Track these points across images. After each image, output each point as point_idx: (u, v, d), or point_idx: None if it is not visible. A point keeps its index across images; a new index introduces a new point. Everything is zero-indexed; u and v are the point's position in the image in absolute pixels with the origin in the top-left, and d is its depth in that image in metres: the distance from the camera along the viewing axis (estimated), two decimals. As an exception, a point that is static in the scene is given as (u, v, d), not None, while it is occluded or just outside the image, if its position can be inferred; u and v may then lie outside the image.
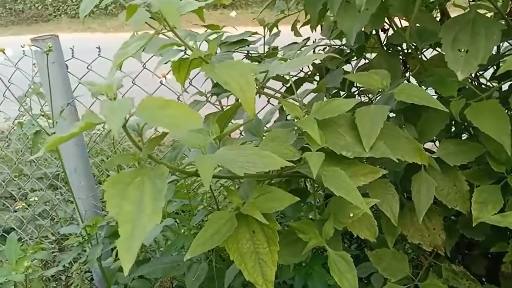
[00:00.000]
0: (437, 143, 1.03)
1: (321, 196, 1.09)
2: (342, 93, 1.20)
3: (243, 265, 0.69)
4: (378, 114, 0.76)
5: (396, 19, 0.98)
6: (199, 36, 0.99)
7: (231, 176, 0.69)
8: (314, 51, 1.08)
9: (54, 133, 1.09)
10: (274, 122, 1.12)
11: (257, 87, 0.74)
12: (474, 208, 0.87)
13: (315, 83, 1.31)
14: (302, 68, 1.30)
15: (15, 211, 1.98)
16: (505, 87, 0.99)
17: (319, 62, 1.19)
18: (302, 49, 1.17)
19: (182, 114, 0.51)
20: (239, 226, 0.68)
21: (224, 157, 0.62)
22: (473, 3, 1.16)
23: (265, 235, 0.70)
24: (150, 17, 0.69)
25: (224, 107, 1.31)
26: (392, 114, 0.98)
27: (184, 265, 1.07)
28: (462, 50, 0.79)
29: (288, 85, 1.30)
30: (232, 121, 0.98)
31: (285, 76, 1.25)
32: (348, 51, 1.23)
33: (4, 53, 1.09)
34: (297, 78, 1.32)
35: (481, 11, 0.88)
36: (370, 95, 1.27)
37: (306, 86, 1.22)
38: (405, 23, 1.03)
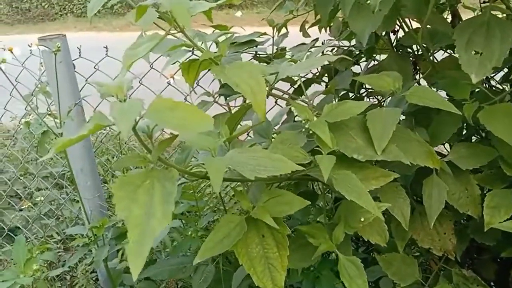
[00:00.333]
0: (446, 145, 1.01)
1: (329, 199, 1.08)
2: (350, 94, 1.19)
3: (252, 269, 0.68)
4: (390, 117, 0.74)
5: (405, 20, 0.97)
6: (207, 37, 0.98)
7: (240, 179, 0.68)
8: (323, 53, 1.07)
9: (61, 133, 1.09)
10: (282, 123, 1.11)
11: (267, 89, 0.73)
12: (486, 213, 0.85)
13: (323, 84, 1.30)
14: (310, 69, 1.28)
15: (21, 210, 1.98)
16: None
17: (328, 63, 1.18)
18: (311, 50, 1.16)
19: (192, 115, 0.50)
20: (248, 230, 0.67)
21: (234, 160, 0.61)
22: (484, 5, 1.15)
23: (274, 239, 0.69)
24: (158, 17, 0.68)
25: (231, 108, 1.31)
26: (402, 117, 0.96)
27: (190, 267, 1.06)
28: (476, 52, 0.77)
29: (296, 86, 1.29)
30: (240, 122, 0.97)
31: (293, 77, 1.24)
32: (357, 53, 1.22)
33: (12, 52, 1.09)
34: (305, 79, 1.31)
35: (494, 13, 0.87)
36: (379, 97, 1.26)
37: (313, 87, 1.21)
38: (415, 25, 1.02)
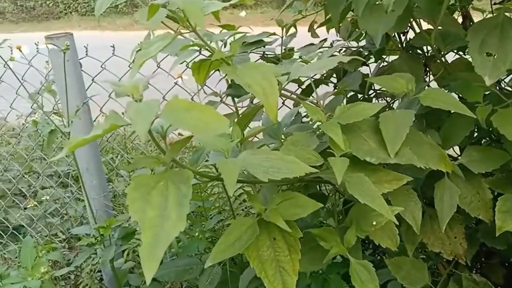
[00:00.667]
0: (456, 148, 1.00)
1: (338, 201, 1.07)
2: (359, 96, 1.18)
3: (263, 273, 0.67)
4: (403, 119, 0.74)
5: (417, 21, 0.96)
6: (215, 36, 0.97)
7: (253, 180, 0.68)
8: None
9: (69, 132, 1.08)
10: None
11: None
12: (498, 218, 0.84)
13: (330, 85, 1.29)
14: (318, 70, 1.27)
15: (25, 209, 1.98)
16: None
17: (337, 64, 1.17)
18: (319, 50, 1.16)
19: (208, 117, 0.49)
20: (259, 232, 0.66)
21: (247, 162, 0.60)
22: (496, 6, 1.14)
23: (286, 242, 0.68)
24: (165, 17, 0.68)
25: (238, 108, 1.30)
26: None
27: (197, 268, 1.05)
28: (489, 54, 0.76)
29: (303, 87, 1.28)
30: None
31: (300, 78, 1.23)
32: (365, 54, 1.21)
33: (20, 50, 1.08)
34: (313, 80, 1.30)
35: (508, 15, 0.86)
36: (388, 99, 1.25)
37: (321, 88, 1.20)
38: (424, 26, 1.01)
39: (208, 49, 0.72)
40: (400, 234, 0.88)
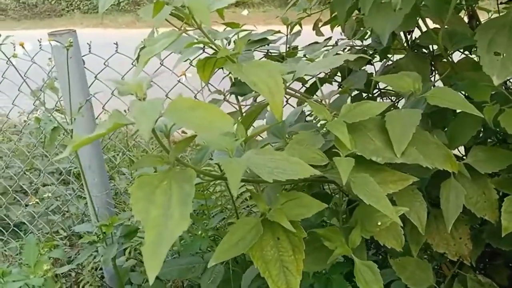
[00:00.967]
0: (461, 148, 0.99)
1: (341, 201, 1.06)
2: (363, 94, 1.17)
3: (267, 273, 0.66)
4: (410, 118, 0.73)
5: (424, 20, 0.95)
6: (219, 34, 0.97)
7: (257, 180, 0.67)
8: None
9: (71, 130, 1.07)
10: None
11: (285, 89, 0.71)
12: (504, 218, 0.83)
13: (334, 84, 1.28)
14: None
15: (26, 205, 1.98)
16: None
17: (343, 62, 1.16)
18: (324, 49, 1.15)
19: (212, 116, 0.49)
20: (263, 232, 0.66)
21: (252, 161, 0.59)
22: (502, 5, 1.12)
23: (290, 242, 0.67)
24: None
25: (242, 107, 1.29)
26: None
27: (199, 267, 1.05)
28: (498, 53, 0.75)
29: (307, 85, 1.27)
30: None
31: (304, 77, 1.22)
32: (370, 52, 1.20)
33: (23, 47, 1.08)
34: (317, 78, 1.29)
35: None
36: (392, 98, 1.24)
37: (325, 87, 1.19)
38: (430, 25, 1.00)
39: (213, 47, 0.72)
40: (405, 234, 0.87)
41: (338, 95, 1.01)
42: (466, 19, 1.06)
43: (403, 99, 1.18)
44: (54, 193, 1.97)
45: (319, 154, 0.69)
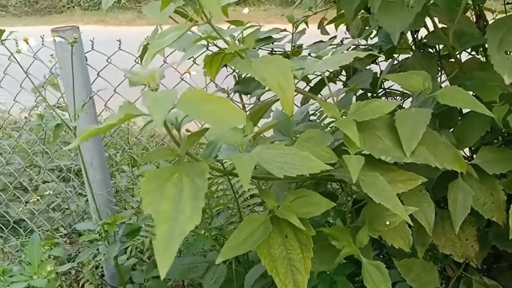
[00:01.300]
0: (466, 149, 0.99)
1: (346, 200, 1.06)
2: (368, 94, 1.16)
3: (274, 271, 0.65)
4: (420, 118, 0.72)
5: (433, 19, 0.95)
6: (224, 32, 0.96)
7: (267, 176, 0.66)
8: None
9: (75, 127, 1.06)
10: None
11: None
12: (512, 220, 0.83)
13: (339, 83, 1.28)
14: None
15: (27, 202, 1.96)
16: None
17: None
18: (329, 47, 1.14)
19: (225, 109, 0.48)
20: (271, 230, 0.65)
21: (262, 157, 0.59)
22: (510, 5, 1.12)
23: (298, 240, 0.66)
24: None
25: (246, 105, 1.28)
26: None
27: (202, 266, 1.03)
28: (509, 53, 0.75)
29: (312, 84, 1.26)
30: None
31: (308, 76, 1.22)
32: (376, 51, 1.19)
33: (27, 43, 1.07)
34: (321, 77, 1.28)
35: None
36: (397, 98, 1.24)
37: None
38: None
39: (219, 43, 0.71)
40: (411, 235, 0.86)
41: (344, 94, 1.01)
42: (473, 19, 1.06)
43: (408, 99, 1.18)
44: (54, 190, 1.96)
45: (328, 152, 0.69)
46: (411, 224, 0.70)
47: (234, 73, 1.28)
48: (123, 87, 1.50)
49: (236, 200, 1.11)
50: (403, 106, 1.16)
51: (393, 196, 0.66)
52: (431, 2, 0.83)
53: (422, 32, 1.05)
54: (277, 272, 0.65)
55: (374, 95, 1.14)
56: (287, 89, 0.62)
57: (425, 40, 1.03)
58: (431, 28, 0.98)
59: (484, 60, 1.05)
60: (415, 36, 1.11)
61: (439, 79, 1.09)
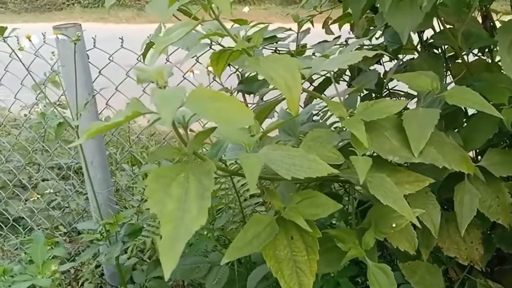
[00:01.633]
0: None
1: (350, 202, 1.05)
2: (372, 94, 1.15)
3: (279, 273, 0.64)
4: (428, 118, 0.71)
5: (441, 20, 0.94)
6: (229, 30, 0.95)
7: (274, 177, 0.65)
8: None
9: (77, 125, 1.05)
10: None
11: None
12: (518, 223, 0.82)
13: (342, 83, 1.27)
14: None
15: (26, 200, 1.95)
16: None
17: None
18: (334, 47, 1.13)
19: (233, 108, 0.47)
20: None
21: (269, 158, 0.58)
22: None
23: (304, 242, 0.65)
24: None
25: (249, 104, 1.27)
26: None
27: (204, 267, 1.02)
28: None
29: (316, 84, 1.25)
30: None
31: (311, 76, 1.21)
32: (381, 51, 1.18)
33: (30, 40, 1.05)
34: (325, 77, 1.27)
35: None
36: (401, 98, 1.23)
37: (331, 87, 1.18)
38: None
39: (223, 41, 0.70)
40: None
41: (346, 94, 1.00)
42: (480, 20, 1.05)
43: (412, 100, 1.17)
44: (54, 188, 1.94)
45: (334, 153, 0.68)
46: (419, 226, 0.69)
47: (238, 72, 1.27)
48: (124, 85, 1.49)
49: (239, 201, 1.10)
50: (408, 107, 1.15)
51: (401, 198, 0.65)
52: (439, 1, 0.82)
53: (427, 33, 1.05)
54: (282, 274, 0.64)
55: (379, 95, 1.14)
56: (294, 88, 0.61)
57: (431, 41, 1.02)
58: (437, 29, 0.98)
59: (490, 61, 1.04)
60: (421, 36, 1.10)
61: (444, 80, 1.08)
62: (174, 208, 0.47)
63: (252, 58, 0.65)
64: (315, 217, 0.64)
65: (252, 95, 1.22)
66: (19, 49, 1.06)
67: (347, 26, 1.31)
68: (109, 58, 1.48)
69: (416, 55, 1.06)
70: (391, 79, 0.98)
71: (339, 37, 1.27)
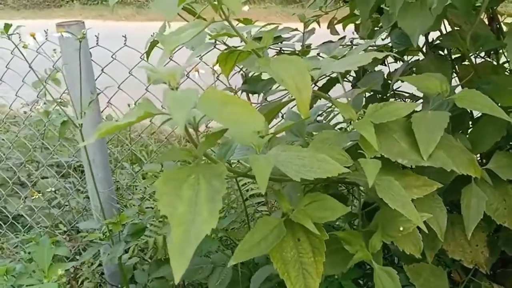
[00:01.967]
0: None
1: (356, 204, 1.04)
2: (377, 96, 1.15)
3: (286, 274, 0.64)
4: (437, 121, 0.71)
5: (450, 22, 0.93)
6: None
7: (283, 178, 0.64)
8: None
9: (81, 124, 1.04)
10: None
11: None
12: (524, 226, 0.82)
13: (346, 84, 1.26)
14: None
15: (26, 198, 1.94)
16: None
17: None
18: (339, 47, 1.12)
19: (244, 112, 0.46)
20: (284, 233, 0.63)
21: (278, 159, 0.57)
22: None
23: (311, 244, 0.65)
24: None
25: (253, 104, 1.26)
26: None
27: (207, 268, 1.02)
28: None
29: (320, 85, 1.25)
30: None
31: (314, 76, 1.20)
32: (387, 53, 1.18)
33: (34, 37, 1.04)
34: (329, 78, 1.27)
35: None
36: (406, 100, 1.22)
37: (337, 87, 1.17)
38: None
39: (228, 41, 0.69)
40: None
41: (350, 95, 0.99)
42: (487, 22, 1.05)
43: (418, 101, 1.17)
44: (54, 186, 1.93)
45: (343, 155, 0.67)
46: (426, 231, 0.68)
47: (242, 72, 1.26)
48: (125, 83, 1.48)
49: (244, 202, 1.09)
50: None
51: (409, 202, 0.65)
52: (448, 2, 0.82)
53: (432, 34, 1.04)
54: (288, 275, 0.64)
55: (384, 96, 1.13)
56: (304, 90, 0.61)
57: (437, 42, 1.01)
58: (444, 31, 0.97)
59: (497, 63, 1.04)
60: (426, 38, 1.09)
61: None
62: (185, 211, 0.46)
63: (262, 59, 0.64)
64: (323, 220, 0.63)
65: (256, 94, 1.22)
66: (23, 46, 1.05)
67: (350, 27, 1.31)
68: (112, 56, 1.47)
69: (421, 56, 1.05)
70: (397, 80, 0.97)
71: (344, 37, 1.26)
